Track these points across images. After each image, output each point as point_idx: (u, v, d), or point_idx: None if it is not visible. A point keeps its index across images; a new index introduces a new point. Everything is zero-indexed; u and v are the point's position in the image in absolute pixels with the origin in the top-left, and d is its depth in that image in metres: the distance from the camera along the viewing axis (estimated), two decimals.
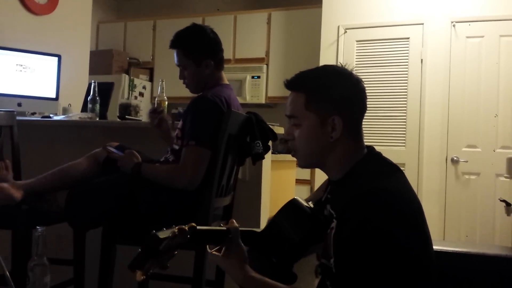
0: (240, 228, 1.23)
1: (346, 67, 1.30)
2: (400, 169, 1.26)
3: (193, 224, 1.13)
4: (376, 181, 1.17)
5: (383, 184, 1.16)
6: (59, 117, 2.98)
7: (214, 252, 1.21)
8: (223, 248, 1.20)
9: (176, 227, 1.10)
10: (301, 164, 1.33)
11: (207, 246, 1.24)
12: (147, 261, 1.09)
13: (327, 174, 1.33)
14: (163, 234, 1.09)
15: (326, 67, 1.33)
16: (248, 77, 5.24)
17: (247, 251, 1.26)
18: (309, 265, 1.33)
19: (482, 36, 4.06)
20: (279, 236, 1.30)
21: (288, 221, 1.31)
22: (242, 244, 1.22)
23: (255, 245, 1.27)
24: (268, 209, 2.61)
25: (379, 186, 1.16)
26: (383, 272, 1.09)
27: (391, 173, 1.23)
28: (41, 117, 3.06)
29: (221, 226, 1.23)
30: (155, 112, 2.27)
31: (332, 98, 1.25)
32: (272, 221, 1.35)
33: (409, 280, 1.12)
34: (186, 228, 1.10)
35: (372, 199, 1.12)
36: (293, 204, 1.35)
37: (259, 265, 1.26)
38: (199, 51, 2.10)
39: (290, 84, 1.30)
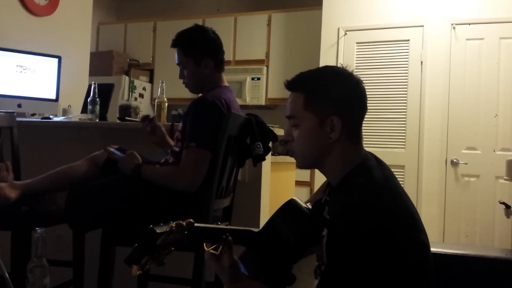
0: (237, 228, 1.22)
1: (346, 68, 1.29)
2: (394, 176, 1.24)
3: (191, 220, 1.11)
4: (365, 194, 1.15)
5: (370, 197, 1.14)
6: (59, 118, 2.98)
7: (211, 251, 1.19)
8: (220, 247, 1.18)
9: (174, 222, 1.08)
10: (299, 165, 1.33)
11: (204, 244, 1.21)
12: (144, 256, 1.08)
13: (325, 176, 1.33)
14: (161, 229, 1.07)
15: (326, 67, 1.33)
16: (248, 79, 5.24)
17: (243, 252, 1.25)
18: (308, 266, 1.33)
19: (482, 38, 4.07)
20: (277, 236, 1.29)
21: (286, 221, 1.30)
22: (235, 258, 1.20)
23: (252, 245, 1.26)
24: (267, 211, 2.61)
25: (370, 199, 1.14)
26: (372, 284, 1.09)
27: (384, 182, 1.20)
28: (41, 118, 3.06)
29: (219, 225, 1.22)
30: (145, 120, 2.26)
31: (331, 98, 1.24)
32: (269, 221, 1.34)
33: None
34: (184, 223, 1.09)
35: (357, 214, 1.10)
36: (291, 204, 1.34)
37: (255, 266, 1.25)
38: (199, 50, 2.10)
39: (290, 84, 1.30)
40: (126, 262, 1.09)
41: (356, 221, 1.10)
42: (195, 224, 1.13)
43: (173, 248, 1.12)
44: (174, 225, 1.08)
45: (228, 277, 1.20)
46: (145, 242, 1.07)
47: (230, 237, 1.19)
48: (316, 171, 4.46)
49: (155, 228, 1.07)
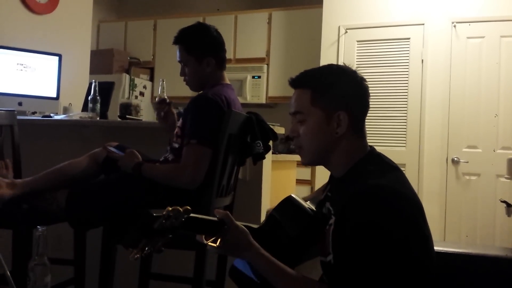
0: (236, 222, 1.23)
1: (350, 66, 1.32)
2: (400, 169, 1.26)
3: (188, 207, 1.11)
4: (376, 179, 1.18)
5: (382, 182, 1.17)
6: (60, 117, 2.98)
7: (210, 244, 1.20)
8: (219, 240, 1.19)
9: (171, 207, 1.08)
10: (306, 161, 1.33)
11: (203, 237, 1.21)
12: (141, 239, 1.08)
13: (330, 171, 1.33)
14: (158, 212, 1.07)
15: (331, 65, 1.35)
16: (249, 77, 5.24)
17: None
18: (314, 269, 1.33)
19: (483, 37, 4.06)
20: (276, 232, 1.30)
21: (284, 217, 1.31)
22: (240, 224, 1.22)
23: None
24: None
25: (378, 184, 1.16)
26: (382, 270, 1.09)
27: (391, 172, 1.23)
28: (42, 117, 3.06)
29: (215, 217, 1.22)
30: (163, 102, 2.25)
31: (338, 94, 1.26)
32: (268, 217, 1.35)
33: (408, 278, 1.12)
34: (181, 209, 1.09)
35: (371, 196, 1.13)
36: (289, 201, 1.35)
37: None
38: (201, 48, 2.10)
39: (295, 81, 1.31)
40: (123, 245, 1.09)
41: (365, 208, 1.11)
42: (192, 214, 1.12)
43: (170, 236, 1.11)
44: (171, 210, 1.08)
45: (243, 255, 1.22)
46: (142, 225, 1.07)
47: (227, 227, 1.19)
48: (318, 169, 4.48)
49: (152, 212, 1.07)
